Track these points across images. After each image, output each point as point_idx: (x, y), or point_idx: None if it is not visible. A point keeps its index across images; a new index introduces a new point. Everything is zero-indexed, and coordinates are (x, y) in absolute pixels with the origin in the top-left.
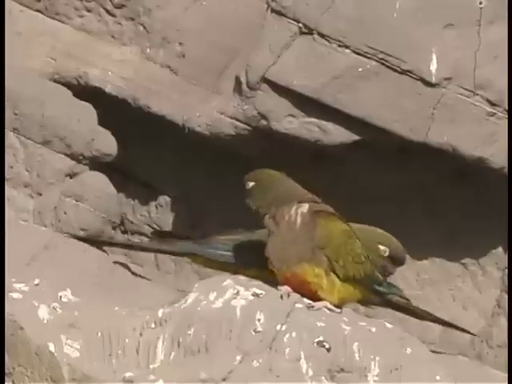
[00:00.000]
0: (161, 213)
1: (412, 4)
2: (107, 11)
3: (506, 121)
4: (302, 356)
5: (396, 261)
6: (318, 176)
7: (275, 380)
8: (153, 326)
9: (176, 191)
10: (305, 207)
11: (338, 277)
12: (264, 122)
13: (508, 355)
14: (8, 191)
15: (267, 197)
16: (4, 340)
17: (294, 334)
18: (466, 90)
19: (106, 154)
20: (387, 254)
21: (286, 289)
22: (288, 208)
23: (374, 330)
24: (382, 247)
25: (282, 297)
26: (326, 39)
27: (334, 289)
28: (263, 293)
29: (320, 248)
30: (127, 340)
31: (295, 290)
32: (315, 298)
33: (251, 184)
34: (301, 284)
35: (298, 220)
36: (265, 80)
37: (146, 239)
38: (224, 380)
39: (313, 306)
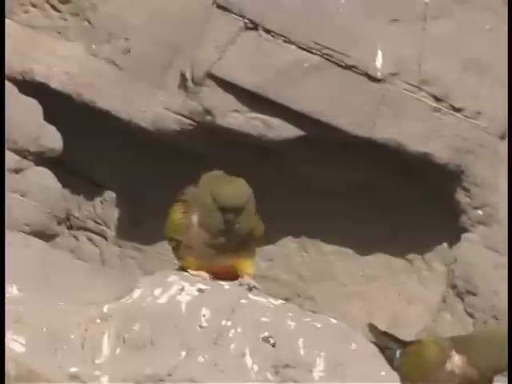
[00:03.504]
0: (105, 208)
1: None
2: (52, 6)
3: (451, 116)
4: (247, 351)
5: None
6: (264, 171)
7: (220, 375)
8: (98, 321)
9: (121, 187)
10: None
11: None
12: (209, 118)
13: (508, 354)
14: None
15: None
16: (4, 341)
17: (239, 330)
18: (411, 85)
19: (52, 149)
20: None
21: (203, 274)
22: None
23: (318, 325)
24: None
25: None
26: (271, 35)
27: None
28: (208, 288)
29: (253, 238)
30: (72, 335)
31: (214, 276)
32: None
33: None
34: (225, 273)
35: None
36: (210, 75)
37: (91, 235)
38: (169, 375)
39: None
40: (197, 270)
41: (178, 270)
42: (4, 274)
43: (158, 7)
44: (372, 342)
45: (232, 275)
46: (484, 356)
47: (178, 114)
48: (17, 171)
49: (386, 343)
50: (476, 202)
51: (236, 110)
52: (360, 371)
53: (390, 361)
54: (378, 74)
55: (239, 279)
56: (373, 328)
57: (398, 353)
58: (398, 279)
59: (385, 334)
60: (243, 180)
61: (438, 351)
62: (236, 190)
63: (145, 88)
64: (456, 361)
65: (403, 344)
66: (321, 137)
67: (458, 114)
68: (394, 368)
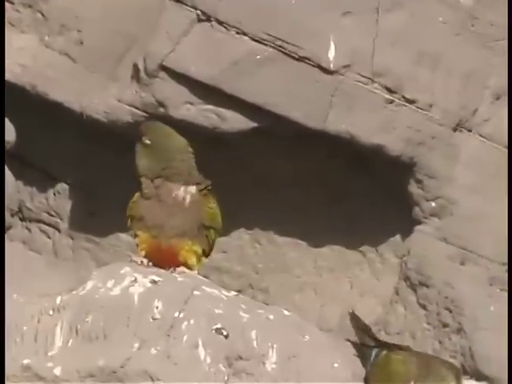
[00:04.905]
0: (59, 200)
1: None
2: None
3: (404, 108)
4: (200, 343)
5: None
6: (217, 163)
7: (173, 367)
8: (51, 312)
9: (74, 178)
10: (193, 188)
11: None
12: (162, 110)
13: (508, 354)
14: None
15: (161, 164)
16: (4, 340)
17: (191, 321)
18: (364, 77)
19: (5, 141)
20: None
21: (145, 261)
22: (176, 187)
23: (271, 317)
24: None
25: (141, 263)
26: (224, 26)
27: (198, 265)
28: (161, 280)
29: (205, 227)
30: (25, 327)
31: (156, 261)
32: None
33: (147, 141)
34: (170, 256)
35: (188, 198)
36: (163, 67)
37: (44, 226)
38: (122, 367)
39: (174, 270)
40: (147, 245)
41: (131, 261)
42: (4, 274)
43: None
44: (348, 340)
45: (175, 258)
46: None
47: (130, 105)
48: None
49: (365, 339)
50: (429, 194)
51: (189, 102)
52: (313, 363)
53: (364, 358)
54: (331, 65)
55: (176, 268)
56: (355, 318)
57: (374, 353)
58: (351, 271)
59: (365, 329)
60: (182, 140)
61: (403, 372)
62: (160, 126)
63: (98, 79)
64: None
65: (381, 344)
66: (274, 129)
67: (411, 106)
68: (364, 366)
